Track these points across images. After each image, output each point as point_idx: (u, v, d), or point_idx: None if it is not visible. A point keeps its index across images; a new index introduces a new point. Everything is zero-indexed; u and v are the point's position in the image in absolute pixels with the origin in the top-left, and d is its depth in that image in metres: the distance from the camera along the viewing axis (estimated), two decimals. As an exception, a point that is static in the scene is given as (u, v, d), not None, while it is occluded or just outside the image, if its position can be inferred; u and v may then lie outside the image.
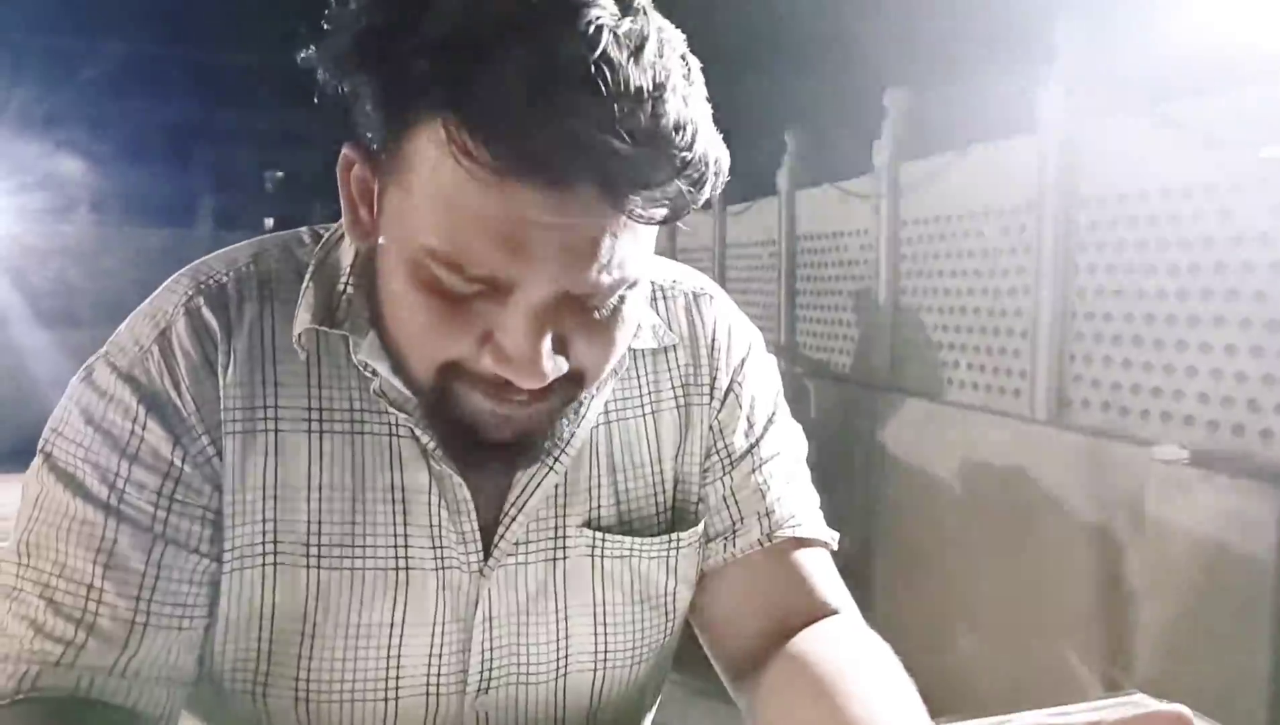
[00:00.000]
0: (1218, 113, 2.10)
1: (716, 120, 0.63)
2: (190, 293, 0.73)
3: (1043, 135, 2.59)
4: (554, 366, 0.62)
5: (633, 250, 0.61)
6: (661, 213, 0.58)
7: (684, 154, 0.57)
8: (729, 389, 0.85)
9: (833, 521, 0.88)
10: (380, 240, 0.65)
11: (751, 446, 0.84)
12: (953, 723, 0.80)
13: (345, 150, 0.66)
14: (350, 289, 0.72)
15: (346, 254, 0.74)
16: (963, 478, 2.81)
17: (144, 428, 0.69)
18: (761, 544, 0.82)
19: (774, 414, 0.87)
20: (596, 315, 0.64)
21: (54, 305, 7.73)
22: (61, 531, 0.68)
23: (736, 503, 0.83)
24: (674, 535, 0.82)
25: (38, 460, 0.71)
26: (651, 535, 0.81)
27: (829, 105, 3.92)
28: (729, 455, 0.84)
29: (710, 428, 0.84)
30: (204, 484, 0.70)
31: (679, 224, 0.63)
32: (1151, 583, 2.06)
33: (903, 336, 3.26)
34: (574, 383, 0.66)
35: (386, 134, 0.60)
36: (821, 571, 0.84)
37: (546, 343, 0.61)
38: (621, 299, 0.64)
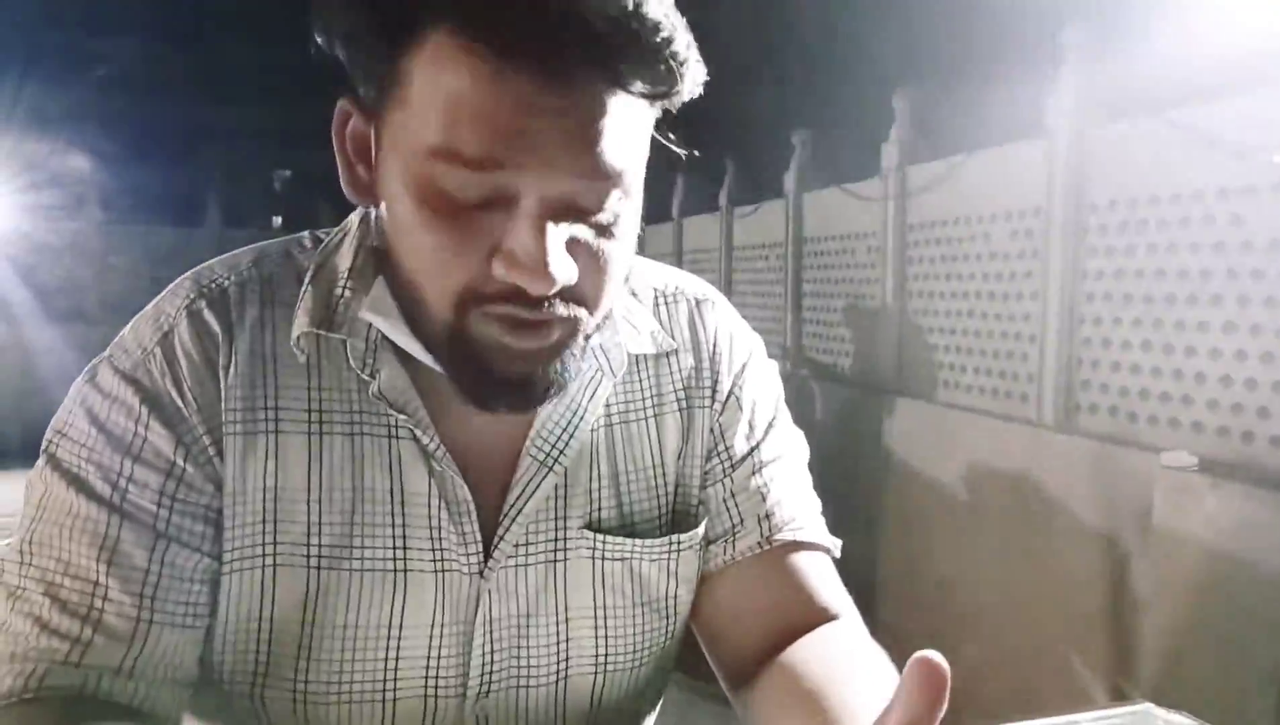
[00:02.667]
0: (1228, 117, 2.09)
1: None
2: (193, 296, 0.74)
3: (1051, 139, 2.58)
4: (563, 268, 0.63)
5: (625, 141, 0.63)
6: (648, 88, 0.62)
7: (664, 34, 0.61)
8: (730, 393, 0.85)
9: (837, 525, 0.87)
10: (381, 183, 0.67)
11: (752, 449, 0.85)
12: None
13: (340, 105, 0.68)
14: (348, 292, 0.72)
15: (345, 257, 0.75)
16: (968, 482, 2.79)
17: (146, 427, 0.70)
18: (761, 547, 0.82)
19: (774, 418, 0.87)
20: (595, 230, 0.66)
21: (62, 302, 7.76)
22: (65, 529, 0.68)
23: (736, 505, 0.83)
24: (674, 538, 0.81)
25: (41, 461, 0.72)
26: (652, 537, 0.81)
27: (837, 107, 3.90)
28: (730, 458, 0.84)
29: (711, 431, 0.84)
30: (205, 483, 0.71)
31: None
32: (1159, 590, 2.04)
33: (909, 340, 3.25)
34: (577, 307, 0.67)
35: (386, 59, 0.62)
36: (822, 576, 0.84)
37: (554, 242, 0.62)
38: (617, 217, 0.67)
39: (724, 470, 0.84)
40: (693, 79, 0.64)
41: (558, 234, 0.63)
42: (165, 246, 8.20)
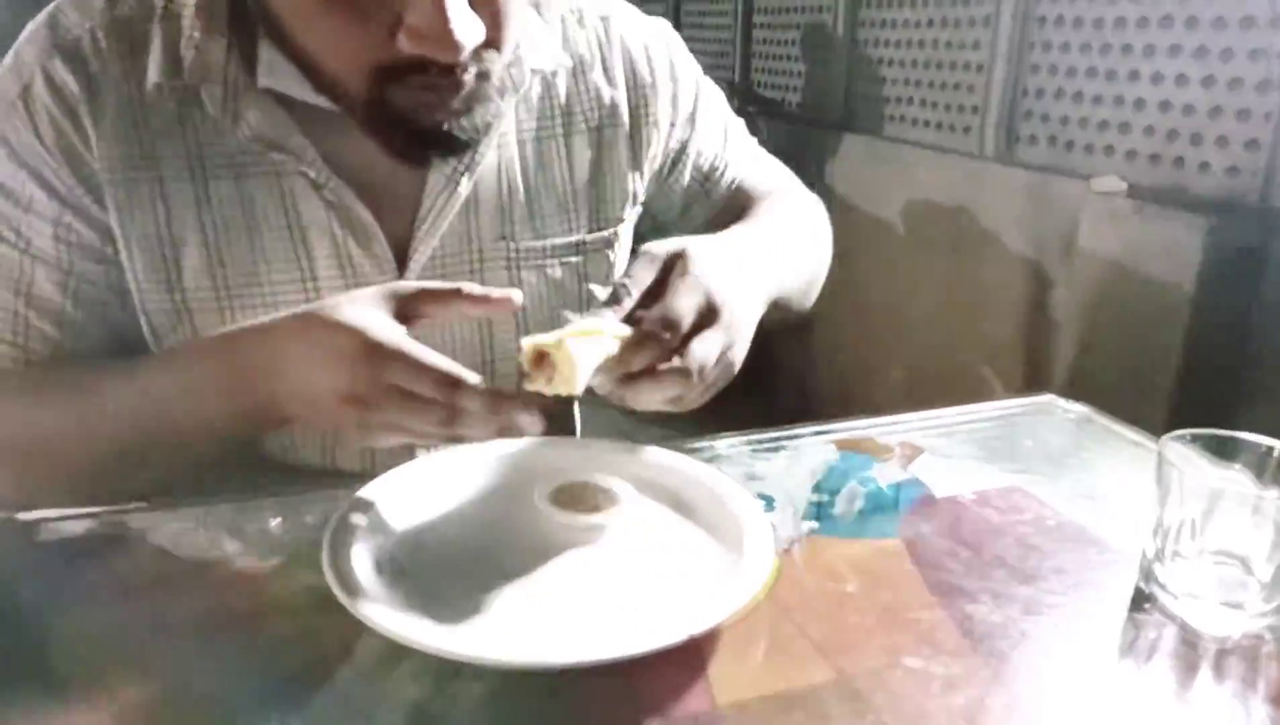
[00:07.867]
0: None
1: None
2: (48, 50, 0.73)
3: None
4: (468, 31, 0.63)
5: None
6: None
7: None
8: (666, 96, 0.93)
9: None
10: None
11: (693, 111, 0.96)
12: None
13: None
14: (197, 34, 0.71)
15: None
16: (907, 216, 2.83)
17: (24, 182, 0.74)
18: (729, 189, 1.02)
19: (698, 92, 0.98)
20: None
21: None
22: None
23: (700, 176, 0.99)
24: (581, 238, 0.88)
25: None
26: (562, 244, 0.87)
27: None
28: (685, 138, 0.96)
29: (642, 136, 0.91)
30: (90, 230, 0.75)
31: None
32: (1076, 307, 2.14)
33: (857, 73, 3.17)
34: (489, 49, 0.68)
35: None
36: (771, 174, 1.09)
37: (454, 6, 0.62)
38: None
39: (681, 149, 0.97)
40: None
41: None
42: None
